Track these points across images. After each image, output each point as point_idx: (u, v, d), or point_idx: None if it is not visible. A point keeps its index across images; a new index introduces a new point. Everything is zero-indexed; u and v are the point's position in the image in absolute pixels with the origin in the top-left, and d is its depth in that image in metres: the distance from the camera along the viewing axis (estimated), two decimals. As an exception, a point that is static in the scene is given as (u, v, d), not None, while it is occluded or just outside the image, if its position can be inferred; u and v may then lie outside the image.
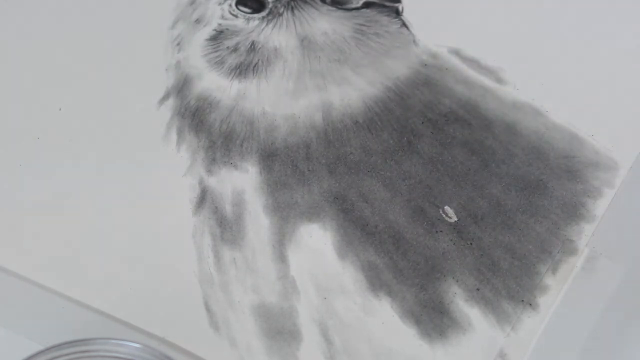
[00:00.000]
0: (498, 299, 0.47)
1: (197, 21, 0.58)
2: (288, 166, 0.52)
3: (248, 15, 0.58)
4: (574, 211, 0.49)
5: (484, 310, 0.46)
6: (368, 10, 0.58)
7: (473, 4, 0.59)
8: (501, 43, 0.56)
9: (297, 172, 0.52)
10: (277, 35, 0.57)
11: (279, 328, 0.46)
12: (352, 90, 0.55)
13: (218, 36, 0.57)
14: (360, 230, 0.49)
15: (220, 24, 0.58)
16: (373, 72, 0.55)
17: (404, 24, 0.58)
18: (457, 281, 0.47)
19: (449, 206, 0.50)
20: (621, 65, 0.55)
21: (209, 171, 0.52)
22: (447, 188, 0.51)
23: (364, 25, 0.57)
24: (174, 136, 0.53)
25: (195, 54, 0.57)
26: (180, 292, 0.47)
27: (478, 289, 0.47)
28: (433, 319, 0.46)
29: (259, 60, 0.56)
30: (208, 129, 0.53)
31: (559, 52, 0.56)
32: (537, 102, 0.54)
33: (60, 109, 0.55)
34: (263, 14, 0.58)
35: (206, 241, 0.49)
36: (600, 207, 0.50)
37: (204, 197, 0.51)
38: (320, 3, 0.58)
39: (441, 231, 0.49)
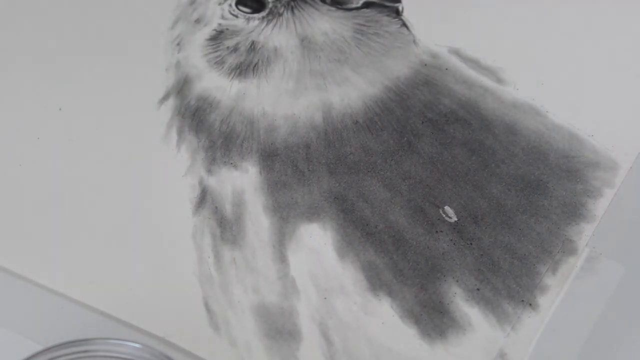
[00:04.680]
0: (498, 299, 0.47)
1: (197, 21, 0.58)
2: (288, 166, 0.52)
3: (248, 15, 0.58)
4: (574, 211, 0.49)
5: (484, 310, 0.46)
6: (368, 10, 0.58)
7: (473, 4, 0.59)
8: (501, 43, 0.56)
9: (297, 172, 0.52)
10: (277, 35, 0.57)
11: (279, 328, 0.46)
12: (352, 90, 0.55)
13: (218, 36, 0.57)
14: (360, 230, 0.49)
15: (220, 24, 0.58)
16: (373, 72, 0.55)
17: (404, 24, 0.58)
18: (457, 281, 0.47)
19: (449, 206, 0.50)
20: (621, 65, 0.55)
21: (209, 171, 0.52)
22: (447, 188, 0.51)
23: (364, 25, 0.57)
24: (174, 136, 0.53)
25: (195, 54, 0.57)
26: (180, 292, 0.47)
27: (478, 289, 0.47)
28: (433, 319, 0.46)
29: (259, 60, 0.56)
30: (208, 129, 0.53)
31: (559, 52, 0.56)
32: (537, 102, 0.54)
33: (60, 109, 0.55)
34: (263, 14, 0.58)
35: (206, 241, 0.49)
36: (600, 207, 0.50)
37: (204, 197, 0.51)
38: (320, 3, 0.58)
39: (441, 231, 0.49)
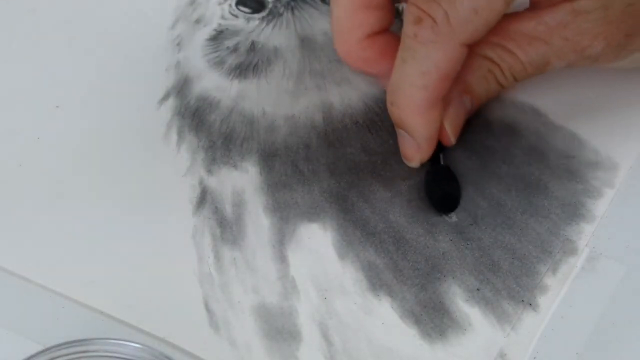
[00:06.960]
0: (498, 299, 0.47)
1: (197, 21, 0.58)
2: (288, 166, 0.52)
3: (248, 15, 0.58)
4: (574, 211, 0.49)
5: (484, 310, 0.46)
6: (368, 10, 0.58)
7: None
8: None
9: (297, 172, 0.52)
10: (277, 35, 0.57)
11: (279, 328, 0.46)
12: (352, 90, 0.55)
13: (218, 36, 0.58)
14: (360, 230, 0.49)
15: (220, 24, 0.58)
16: (373, 72, 0.55)
17: (404, 24, 0.57)
18: (457, 281, 0.47)
19: (449, 206, 0.50)
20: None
21: (209, 171, 0.52)
22: (447, 188, 0.51)
23: (364, 25, 0.57)
24: (174, 136, 0.53)
25: (195, 54, 0.57)
26: (180, 292, 0.47)
27: (478, 289, 0.47)
28: (433, 319, 0.46)
29: (259, 60, 0.56)
30: (208, 129, 0.53)
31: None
32: (537, 102, 0.54)
33: (57, 107, 0.55)
34: (263, 14, 0.58)
35: (206, 241, 0.49)
36: (600, 207, 0.50)
37: (204, 197, 0.51)
38: (320, 3, 0.58)
39: (441, 231, 0.49)
